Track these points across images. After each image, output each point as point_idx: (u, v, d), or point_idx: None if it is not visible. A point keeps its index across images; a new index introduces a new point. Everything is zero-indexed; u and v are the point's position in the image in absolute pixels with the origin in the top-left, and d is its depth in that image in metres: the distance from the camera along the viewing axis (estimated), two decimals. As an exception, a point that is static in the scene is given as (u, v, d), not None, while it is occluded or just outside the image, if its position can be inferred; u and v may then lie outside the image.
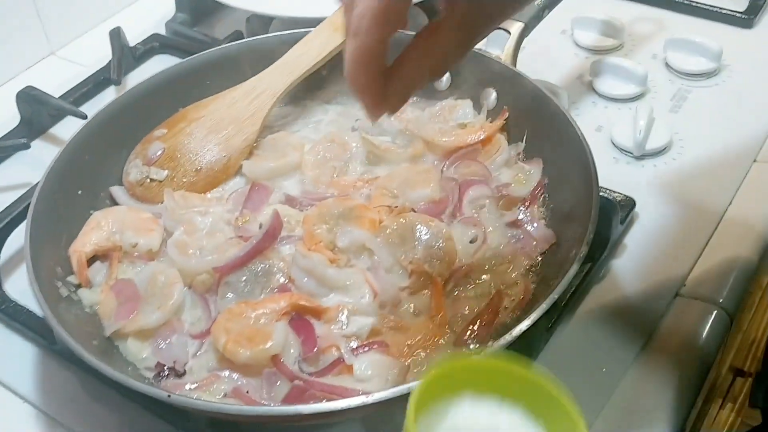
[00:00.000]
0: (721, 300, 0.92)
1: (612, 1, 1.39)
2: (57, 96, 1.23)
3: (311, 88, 1.11)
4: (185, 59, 1.10)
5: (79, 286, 0.89)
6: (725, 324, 0.91)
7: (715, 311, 0.91)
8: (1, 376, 0.91)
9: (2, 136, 1.20)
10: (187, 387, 0.79)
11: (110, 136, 1.01)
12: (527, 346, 0.85)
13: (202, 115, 1.04)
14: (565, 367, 0.87)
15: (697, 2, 1.36)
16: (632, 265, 0.97)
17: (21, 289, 0.97)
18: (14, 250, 1.02)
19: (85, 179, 0.98)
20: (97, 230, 0.93)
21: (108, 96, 1.28)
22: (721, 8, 1.35)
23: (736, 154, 1.10)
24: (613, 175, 1.06)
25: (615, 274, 0.96)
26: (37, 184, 1.01)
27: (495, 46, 1.07)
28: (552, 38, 1.31)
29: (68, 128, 1.22)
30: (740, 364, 1.38)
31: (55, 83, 1.28)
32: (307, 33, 1.08)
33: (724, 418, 1.43)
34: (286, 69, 1.05)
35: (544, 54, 1.23)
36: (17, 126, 1.22)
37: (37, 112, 1.21)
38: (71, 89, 1.27)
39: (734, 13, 1.34)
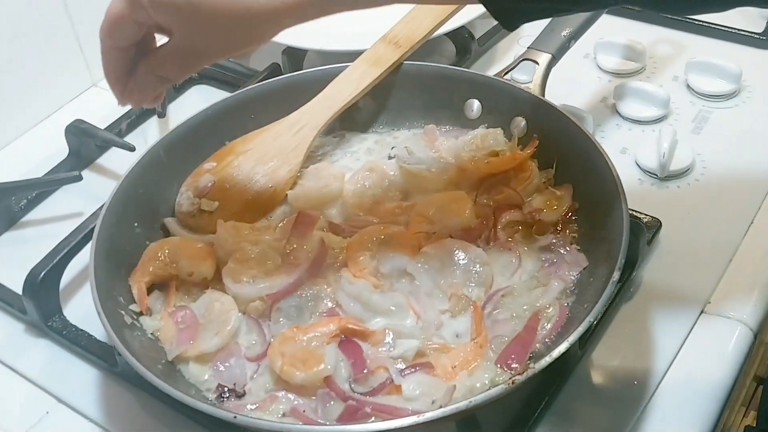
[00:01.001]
0: (744, 317, 0.97)
1: (633, 25, 1.43)
2: (102, 127, 1.28)
3: (348, 118, 1.16)
4: (230, 95, 1.15)
5: (140, 313, 0.94)
6: (749, 340, 0.95)
7: (739, 328, 0.96)
8: (65, 397, 0.96)
9: (53, 168, 1.26)
10: (248, 407, 0.84)
11: (162, 170, 1.06)
12: (563, 365, 0.90)
13: (248, 148, 1.09)
14: (598, 382, 0.92)
15: (715, 24, 1.40)
16: (659, 283, 1.01)
17: (80, 314, 1.02)
18: (71, 278, 1.07)
19: (140, 212, 1.02)
20: (155, 260, 0.98)
21: (151, 126, 1.34)
22: (739, 30, 1.39)
23: (757, 173, 1.15)
24: (639, 196, 1.11)
25: (642, 292, 1.00)
26: (92, 215, 1.07)
27: (525, 73, 1.11)
28: (576, 62, 1.36)
29: (114, 158, 1.28)
30: (763, 372, 1.41)
31: (98, 114, 1.33)
32: (343, 67, 1.13)
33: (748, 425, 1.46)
34: (327, 102, 1.10)
35: (568, 78, 1.27)
36: (66, 158, 1.27)
37: (86, 144, 1.27)
38: (116, 121, 1.32)
39: (752, 35, 1.38)
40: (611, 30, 1.38)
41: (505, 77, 1.12)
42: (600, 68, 1.36)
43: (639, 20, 1.45)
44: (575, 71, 1.35)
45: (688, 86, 1.30)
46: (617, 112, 1.26)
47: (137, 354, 0.83)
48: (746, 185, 1.13)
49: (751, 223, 1.08)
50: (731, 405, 1.00)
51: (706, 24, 1.41)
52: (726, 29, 1.40)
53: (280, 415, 0.83)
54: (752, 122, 1.24)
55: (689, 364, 0.93)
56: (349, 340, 0.88)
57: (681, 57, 1.36)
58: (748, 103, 1.27)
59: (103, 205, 0.98)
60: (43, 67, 1.37)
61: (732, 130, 1.22)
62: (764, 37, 1.37)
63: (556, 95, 1.09)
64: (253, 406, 0.84)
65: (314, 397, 0.84)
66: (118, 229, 0.98)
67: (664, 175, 1.14)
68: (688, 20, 1.42)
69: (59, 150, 1.28)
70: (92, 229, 0.96)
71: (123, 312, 0.92)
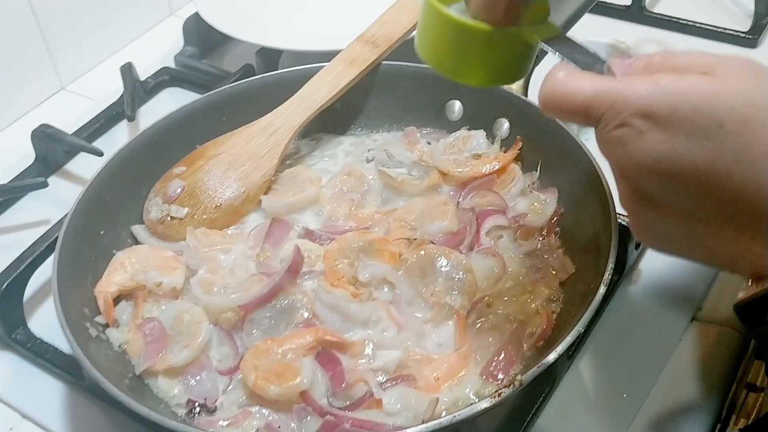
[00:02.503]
0: (737, 323, 0.93)
1: (617, 24, 1.41)
2: (70, 132, 1.24)
3: (325, 121, 1.12)
4: (201, 97, 1.11)
5: (106, 326, 0.90)
6: (742, 347, 0.92)
7: (732, 334, 0.93)
8: (30, 413, 0.92)
9: (19, 174, 1.22)
10: (220, 423, 0.80)
11: (129, 175, 1.02)
12: (550, 375, 0.87)
13: (220, 151, 1.05)
14: (587, 393, 0.89)
15: (701, 23, 1.38)
16: (648, 290, 0.98)
17: (45, 326, 0.98)
18: (36, 289, 1.03)
19: (106, 219, 0.99)
20: (121, 270, 0.94)
21: (120, 131, 1.30)
22: (725, 29, 1.37)
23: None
24: (626, 200, 1.07)
25: (631, 299, 0.97)
26: (57, 223, 1.03)
27: (506, 76, 1.08)
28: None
29: (82, 164, 1.24)
30: (753, 379, 1.39)
31: (66, 118, 1.30)
32: (319, 68, 1.10)
33: (738, 434, 1.44)
34: (302, 104, 1.07)
35: (550, 79, 1.24)
36: (33, 163, 1.23)
37: (53, 149, 1.23)
38: (84, 125, 1.28)
39: (738, 34, 1.36)
40: (595, 29, 1.35)
41: (487, 78, 1.08)
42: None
43: (623, 19, 1.42)
44: (558, 72, 1.31)
45: (674, 86, 1.27)
46: (602, 113, 1.23)
47: (103, 368, 0.79)
48: (735, 187, 1.10)
49: (742, 226, 1.04)
50: (723, 414, 0.97)
51: (691, 23, 1.39)
52: (711, 28, 1.37)
53: (253, 432, 0.80)
54: (740, 123, 1.20)
55: (680, 373, 0.90)
56: (326, 352, 0.84)
57: (666, 57, 1.33)
58: (735, 104, 1.24)
59: (67, 213, 0.94)
60: (9, 70, 1.33)
61: (719, 131, 1.19)
62: (750, 36, 1.35)
63: (538, 97, 1.06)
64: (225, 423, 0.80)
65: (290, 413, 0.80)
66: (83, 238, 0.94)
67: (651, 178, 1.11)
68: (672, 19, 1.40)
69: (25, 156, 1.24)
70: (57, 238, 0.92)
71: (88, 324, 0.88)
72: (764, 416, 1.19)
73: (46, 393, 0.93)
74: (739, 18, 1.40)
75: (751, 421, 1.42)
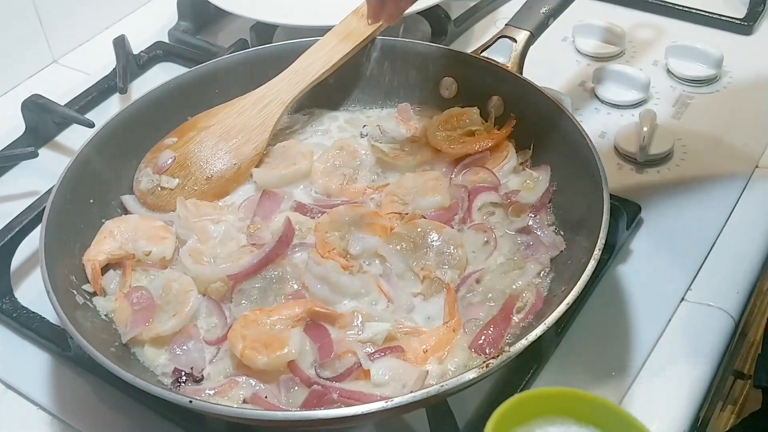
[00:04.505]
0: (727, 305, 0.93)
1: (612, 8, 1.40)
2: (62, 104, 1.23)
3: (318, 95, 1.11)
4: (193, 68, 1.10)
5: (93, 294, 0.89)
6: (731, 329, 0.92)
7: (722, 316, 0.92)
8: (15, 383, 0.91)
9: (8, 145, 1.21)
10: (206, 392, 0.79)
11: (120, 145, 1.02)
12: (539, 351, 0.86)
13: (211, 123, 1.05)
14: (575, 371, 0.88)
15: (696, 9, 1.37)
16: (638, 270, 0.98)
17: (32, 296, 0.97)
18: (24, 258, 1.02)
19: (96, 188, 0.98)
20: (110, 239, 0.93)
21: (112, 104, 1.29)
22: (720, 15, 1.36)
23: (739, 160, 1.12)
24: (618, 181, 1.08)
25: (621, 279, 0.97)
26: (46, 192, 1.02)
27: (501, 54, 1.08)
28: (553, 46, 1.32)
29: (74, 136, 1.23)
30: (740, 366, 1.39)
31: (58, 91, 1.29)
32: (314, 42, 1.09)
33: (725, 420, 1.44)
34: (295, 78, 1.06)
35: (545, 61, 1.23)
36: (23, 134, 1.22)
37: (43, 120, 1.22)
38: (76, 97, 1.28)
39: (733, 20, 1.35)
40: (590, 13, 1.35)
41: (482, 56, 1.08)
42: (578, 51, 1.33)
43: (618, 4, 1.42)
44: (553, 54, 1.31)
45: (669, 71, 1.27)
46: (596, 95, 1.23)
47: (88, 335, 0.79)
48: (727, 171, 1.10)
49: (733, 208, 1.05)
50: (711, 398, 0.97)
51: (687, 9, 1.38)
52: (707, 14, 1.37)
53: (240, 401, 0.79)
54: (733, 107, 1.21)
55: (669, 354, 0.89)
56: (315, 323, 0.84)
57: (661, 41, 1.33)
58: (729, 89, 1.24)
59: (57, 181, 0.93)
60: (1, 42, 1.31)
61: (713, 116, 1.19)
62: (745, 23, 1.35)
63: (533, 79, 1.05)
64: (212, 392, 0.79)
65: (277, 383, 0.80)
66: (72, 206, 0.93)
67: (644, 160, 1.11)
68: (668, 4, 1.39)
69: (16, 127, 1.23)
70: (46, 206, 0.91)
71: (75, 291, 0.88)
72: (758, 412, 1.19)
73: (32, 364, 0.93)
74: (734, 4, 1.39)
75: (737, 407, 1.42)
